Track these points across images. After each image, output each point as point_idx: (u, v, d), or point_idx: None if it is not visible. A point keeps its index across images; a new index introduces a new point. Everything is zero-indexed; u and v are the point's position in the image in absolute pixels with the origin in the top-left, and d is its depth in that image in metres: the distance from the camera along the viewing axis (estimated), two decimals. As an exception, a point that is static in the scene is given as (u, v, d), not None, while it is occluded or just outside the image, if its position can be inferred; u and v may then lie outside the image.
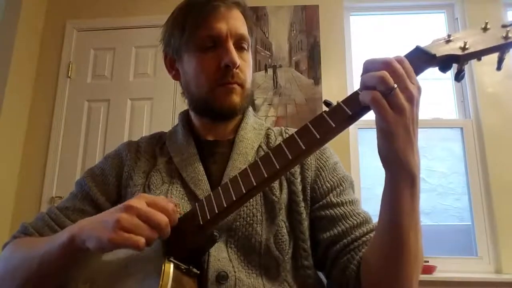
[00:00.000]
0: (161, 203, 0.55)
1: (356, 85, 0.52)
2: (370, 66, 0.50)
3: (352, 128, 2.36)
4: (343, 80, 2.42)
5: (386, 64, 0.48)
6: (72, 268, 0.61)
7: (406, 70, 0.49)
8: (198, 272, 0.57)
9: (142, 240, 0.51)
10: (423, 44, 0.53)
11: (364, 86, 0.49)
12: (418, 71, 0.51)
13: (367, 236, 0.67)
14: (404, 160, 0.49)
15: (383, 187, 0.55)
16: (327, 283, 0.73)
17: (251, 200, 0.68)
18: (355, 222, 0.69)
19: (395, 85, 0.47)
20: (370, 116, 0.54)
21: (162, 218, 0.53)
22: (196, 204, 0.59)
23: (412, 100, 0.48)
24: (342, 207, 0.70)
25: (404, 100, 0.48)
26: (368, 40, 2.66)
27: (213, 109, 0.74)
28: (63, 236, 0.58)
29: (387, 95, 0.47)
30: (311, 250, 0.71)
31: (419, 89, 0.50)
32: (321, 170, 0.75)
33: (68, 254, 0.58)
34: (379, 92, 0.47)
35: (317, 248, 0.71)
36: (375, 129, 0.52)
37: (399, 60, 0.49)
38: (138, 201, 0.54)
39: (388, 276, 0.57)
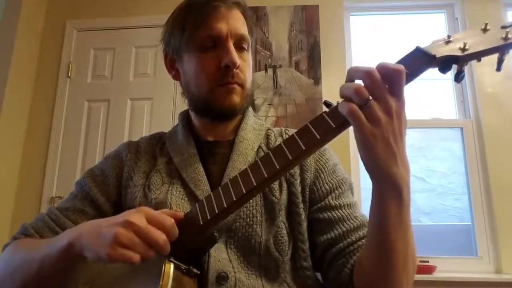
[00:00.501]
0: (159, 219, 0.54)
1: (356, 85, 0.52)
2: (352, 74, 0.50)
3: (352, 128, 2.35)
4: (343, 80, 2.34)
5: (365, 74, 0.47)
6: (71, 270, 0.61)
7: (388, 81, 0.47)
8: (199, 272, 0.57)
9: (137, 256, 0.51)
10: (423, 44, 0.53)
11: (342, 97, 0.49)
12: (418, 72, 0.51)
13: (363, 240, 0.67)
14: (387, 171, 0.49)
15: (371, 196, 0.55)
16: (324, 284, 0.73)
17: (251, 201, 0.68)
18: (352, 226, 0.69)
19: (370, 97, 0.47)
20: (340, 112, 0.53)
21: (160, 237, 0.52)
22: (196, 204, 0.59)
23: (390, 111, 0.47)
24: (340, 210, 0.71)
25: (380, 111, 0.47)
26: (368, 40, 2.66)
27: (213, 109, 0.74)
28: (63, 241, 0.58)
29: (362, 106, 0.47)
30: (309, 251, 0.71)
31: (400, 99, 0.48)
32: (320, 171, 0.75)
33: (67, 258, 0.58)
34: (355, 103, 0.47)
35: (315, 250, 0.72)
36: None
37: (381, 69, 0.48)
38: (138, 217, 0.53)
39: (379, 280, 0.57)
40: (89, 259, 0.54)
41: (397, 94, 0.48)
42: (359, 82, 0.49)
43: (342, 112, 0.49)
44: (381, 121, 0.47)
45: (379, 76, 0.47)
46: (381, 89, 0.47)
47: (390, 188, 0.50)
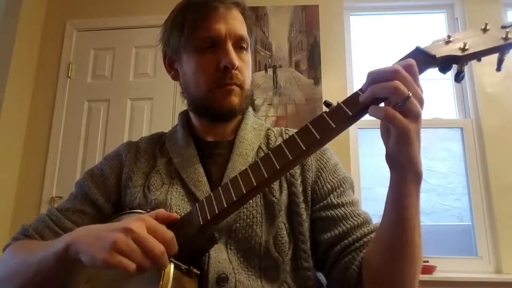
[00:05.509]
0: (160, 230, 0.53)
1: (356, 85, 0.52)
2: (377, 77, 0.49)
3: (352, 128, 2.35)
4: (343, 80, 2.42)
5: (395, 73, 0.48)
6: (67, 276, 0.61)
7: (413, 75, 0.49)
8: (199, 272, 0.57)
9: (133, 265, 0.49)
10: (423, 44, 0.53)
11: (377, 98, 0.49)
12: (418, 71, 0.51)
13: (368, 237, 0.67)
14: (415, 161, 0.51)
15: (389, 188, 0.55)
16: (327, 284, 0.73)
17: (251, 201, 0.68)
18: (356, 222, 0.69)
19: (410, 93, 0.47)
20: (370, 116, 0.54)
21: (158, 247, 0.51)
22: (197, 204, 0.59)
23: (423, 104, 0.49)
24: (342, 208, 0.70)
25: (417, 106, 0.48)
26: (368, 40, 2.66)
27: (212, 110, 0.74)
28: (59, 244, 0.57)
29: (403, 104, 0.47)
30: (311, 251, 0.71)
31: (422, 90, 0.50)
32: (321, 171, 0.75)
33: (63, 263, 0.58)
34: (394, 102, 0.47)
35: (317, 249, 0.71)
36: (376, 129, 0.53)
37: (405, 66, 0.49)
38: (139, 225, 0.52)
39: (393, 276, 0.57)
40: (84, 262, 0.53)
41: (419, 85, 0.49)
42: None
43: (375, 117, 0.49)
44: (420, 114, 0.48)
45: (406, 72, 0.48)
46: (413, 84, 0.48)
47: (413, 177, 0.52)
